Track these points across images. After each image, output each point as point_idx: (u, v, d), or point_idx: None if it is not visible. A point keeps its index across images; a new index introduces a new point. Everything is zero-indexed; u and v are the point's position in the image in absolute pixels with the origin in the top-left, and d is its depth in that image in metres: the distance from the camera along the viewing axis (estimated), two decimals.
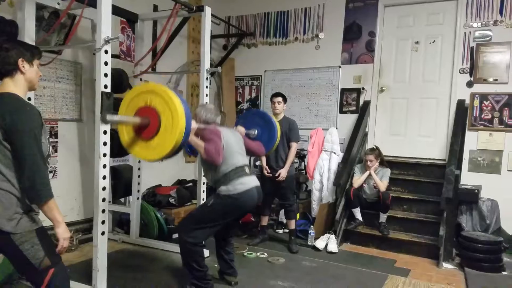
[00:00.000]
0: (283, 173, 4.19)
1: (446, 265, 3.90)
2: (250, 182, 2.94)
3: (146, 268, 3.55)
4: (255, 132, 3.64)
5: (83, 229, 4.15)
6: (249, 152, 3.20)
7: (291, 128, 4.30)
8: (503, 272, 3.75)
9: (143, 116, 2.37)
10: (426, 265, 3.94)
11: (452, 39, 4.96)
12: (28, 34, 3.16)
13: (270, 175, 4.26)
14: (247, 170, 2.98)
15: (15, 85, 1.87)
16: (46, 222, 1.93)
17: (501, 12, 4.69)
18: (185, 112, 2.30)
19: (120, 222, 4.45)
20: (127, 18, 4.20)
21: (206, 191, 3.87)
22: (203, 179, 3.81)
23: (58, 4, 3.49)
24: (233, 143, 2.98)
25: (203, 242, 2.97)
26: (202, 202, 3.80)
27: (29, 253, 1.80)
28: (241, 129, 3.45)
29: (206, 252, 3.72)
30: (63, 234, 1.87)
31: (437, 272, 3.78)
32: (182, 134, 2.29)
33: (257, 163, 4.63)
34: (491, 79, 4.74)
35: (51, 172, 3.91)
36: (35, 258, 1.81)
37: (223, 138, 2.89)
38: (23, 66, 1.88)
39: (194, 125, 2.76)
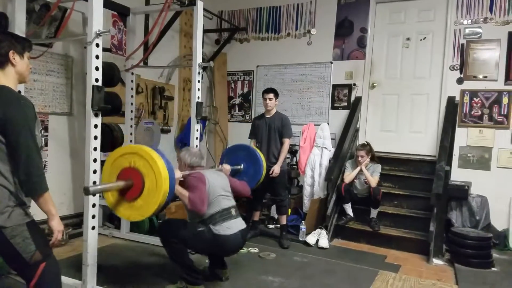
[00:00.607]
0: (276, 169, 4.19)
1: (436, 261, 3.93)
2: (236, 226, 2.93)
3: (137, 263, 3.54)
4: (240, 167, 3.67)
5: (73, 223, 4.12)
6: (235, 192, 3.16)
7: (284, 124, 4.30)
8: (493, 268, 3.78)
9: (127, 177, 2.38)
10: (416, 261, 3.97)
11: (442, 35, 5.00)
12: (19, 26, 3.12)
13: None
14: (233, 212, 2.97)
15: (6, 78, 1.85)
16: (36, 216, 1.91)
17: (491, 10, 4.73)
18: (169, 174, 2.33)
19: (111, 217, 4.42)
20: (119, 12, 4.15)
21: None
22: None
23: None
24: (218, 187, 2.96)
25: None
26: None
27: (20, 247, 1.79)
28: (227, 167, 3.45)
29: None
30: (57, 226, 1.87)
31: (427, 267, 3.81)
32: (166, 196, 2.32)
33: None
34: (481, 76, 4.79)
35: (43, 166, 3.87)
36: (26, 252, 1.80)
37: (208, 183, 2.88)
38: (14, 58, 1.86)
39: (178, 174, 2.77)
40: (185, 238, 2.87)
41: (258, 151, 3.85)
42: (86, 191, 2.25)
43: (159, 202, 2.32)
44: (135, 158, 2.39)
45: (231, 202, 3.03)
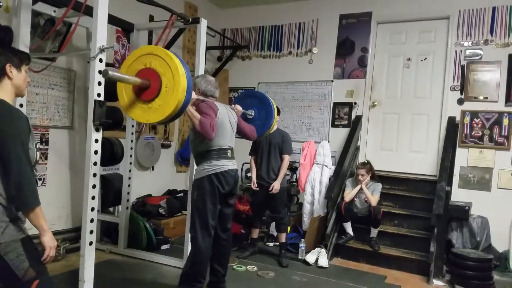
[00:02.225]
0: (276, 185, 4.18)
1: (437, 282, 3.89)
2: (228, 164, 2.97)
3: (134, 280, 3.49)
4: (252, 112, 3.61)
5: (71, 238, 4.08)
6: (241, 133, 3.20)
7: (284, 141, 4.30)
8: None
9: (143, 78, 2.34)
10: (417, 282, 3.93)
11: (443, 56, 5.04)
12: (23, 40, 3.15)
13: (257, 189, 4.24)
14: (229, 154, 3.01)
15: (2, 91, 1.84)
16: (31, 231, 1.89)
17: (491, 32, 4.78)
18: (186, 72, 2.30)
19: (108, 232, 4.38)
20: (123, 28, 4.21)
21: None
22: None
23: (54, 11, 3.50)
24: (226, 123, 2.99)
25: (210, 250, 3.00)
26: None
27: (13, 263, 1.74)
28: (239, 107, 3.41)
29: None
30: (49, 242, 1.82)
31: None
32: (184, 93, 2.29)
33: (248, 174, 4.61)
34: (481, 97, 4.81)
35: (40, 179, 3.86)
36: (20, 268, 1.76)
37: (218, 114, 2.89)
38: (11, 72, 1.85)
39: (193, 95, 2.73)
40: (195, 214, 2.92)
41: (271, 98, 3.75)
42: (105, 74, 2.21)
43: (177, 100, 2.27)
44: (151, 58, 2.36)
45: (231, 143, 3.05)
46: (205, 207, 2.92)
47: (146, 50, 2.45)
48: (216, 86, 3.11)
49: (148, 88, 2.34)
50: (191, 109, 2.74)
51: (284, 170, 4.28)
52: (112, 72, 2.26)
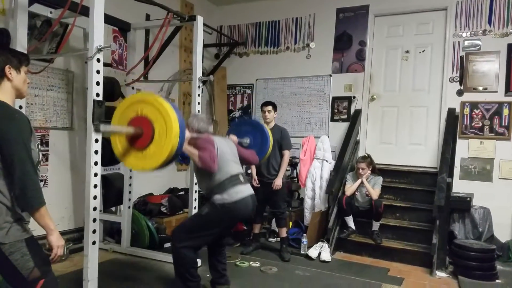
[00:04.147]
0: (277, 182, 4.18)
1: (440, 274, 3.90)
2: (245, 190, 2.93)
3: (137, 279, 3.50)
4: (247, 140, 3.65)
5: (74, 238, 4.09)
6: (243, 160, 3.18)
7: (283, 137, 4.30)
8: (497, 281, 3.74)
9: (136, 126, 2.35)
10: (420, 274, 3.93)
11: (441, 48, 5.03)
12: (20, 42, 3.14)
13: (259, 185, 4.25)
14: (241, 178, 2.96)
15: (2, 92, 1.84)
16: (36, 232, 1.90)
17: (489, 22, 4.77)
18: (177, 116, 2.30)
19: (111, 231, 4.40)
20: (119, 27, 4.20)
21: (198, 199, 3.85)
22: (195, 188, 3.78)
23: (51, 13, 3.49)
24: (227, 151, 2.97)
25: (196, 251, 2.94)
26: (194, 210, 3.78)
27: (18, 263, 1.76)
28: (234, 137, 3.45)
29: (199, 262, 3.68)
30: (56, 242, 1.83)
31: (430, 280, 3.77)
32: (177, 137, 2.28)
33: (249, 171, 4.62)
34: (481, 88, 4.80)
35: (41, 180, 3.86)
36: (25, 268, 1.77)
37: (216, 146, 2.88)
38: (10, 73, 1.85)
39: (187, 134, 2.74)
40: (194, 227, 2.88)
41: (264, 125, 3.80)
42: (97, 129, 2.21)
43: (171, 145, 2.27)
44: (141, 105, 2.36)
45: (240, 168, 3.02)
46: (208, 229, 2.89)
47: (136, 97, 2.48)
48: (209, 123, 3.13)
49: (141, 136, 2.35)
50: (188, 147, 2.75)
51: (284, 166, 4.29)
52: (104, 127, 2.28)
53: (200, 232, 2.87)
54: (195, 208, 3.79)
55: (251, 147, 3.61)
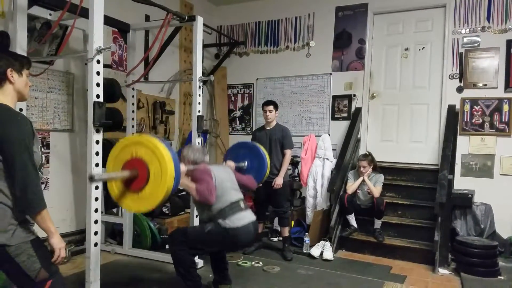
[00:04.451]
0: (278, 181, 4.18)
1: (442, 271, 3.90)
2: (247, 217, 2.92)
3: (140, 280, 3.50)
4: (244, 164, 3.68)
5: (76, 240, 4.09)
6: (241, 186, 3.15)
7: (285, 136, 4.30)
8: (499, 277, 3.74)
9: (130, 168, 2.36)
10: (422, 271, 3.93)
11: (441, 45, 5.02)
12: (20, 44, 3.14)
13: (260, 185, 4.25)
14: (242, 205, 2.96)
15: (4, 96, 1.85)
16: (40, 233, 1.90)
17: (488, 19, 4.76)
18: (172, 156, 2.32)
19: (113, 233, 4.40)
20: (119, 28, 4.20)
21: None
22: None
23: (50, 15, 3.50)
24: (225, 179, 2.96)
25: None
26: (195, 211, 3.77)
27: (25, 264, 1.77)
28: (231, 163, 3.46)
29: (200, 262, 3.69)
30: (58, 244, 1.84)
31: (433, 277, 3.77)
32: (173, 178, 2.30)
33: None
34: (480, 84, 4.80)
35: (43, 183, 3.86)
36: (31, 269, 1.78)
37: (214, 176, 2.87)
38: (12, 76, 1.86)
39: (183, 168, 2.75)
40: (194, 240, 2.85)
41: (261, 146, 3.82)
42: (91, 179, 2.22)
43: (167, 186, 2.28)
44: (136, 147, 2.37)
45: (239, 195, 3.01)
46: (208, 246, 2.92)
47: (131, 140, 2.49)
48: (205, 153, 3.12)
49: (137, 178, 2.35)
50: (185, 181, 2.75)
51: (286, 165, 4.29)
52: (99, 176, 2.28)
53: (199, 245, 2.88)
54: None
55: (248, 170, 3.64)
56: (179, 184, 2.44)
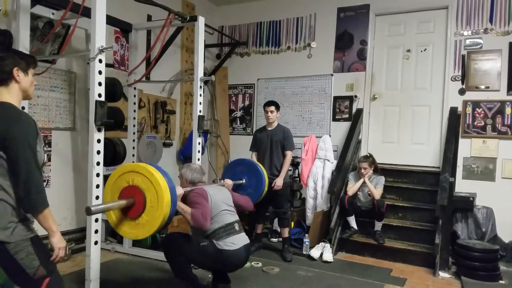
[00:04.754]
0: (278, 182, 4.18)
1: (443, 274, 3.88)
2: (240, 241, 2.90)
3: (139, 279, 3.51)
4: (243, 181, 3.70)
5: (76, 238, 4.11)
6: (238, 207, 3.15)
7: (286, 137, 4.30)
8: (500, 281, 3.72)
9: (127, 196, 2.39)
10: (422, 274, 3.92)
11: (443, 47, 5.01)
12: (23, 43, 3.15)
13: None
14: (237, 227, 2.95)
15: (10, 94, 1.86)
16: (40, 231, 1.90)
17: (491, 20, 4.75)
18: (168, 184, 2.34)
19: (113, 231, 4.39)
20: (121, 28, 4.21)
21: None
22: None
23: (53, 14, 3.51)
24: (220, 201, 2.95)
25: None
26: None
27: (24, 262, 1.78)
28: (229, 182, 3.45)
29: None
30: (58, 243, 1.85)
31: (433, 281, 3.76)
32: (169, 206, 2.33)
33: None
34: (483, 87, 4.79)
35: (44, 181, 3.86)
36: (30, 267, 1.79)
37: (210, 198, 2.87)
38: (18, 75, 1.87)
39: (180, 191, 2.76)
40: (188, 252, 2.85)
41: (259, 163, 3.85)
42: (88, 211, 2.24)
43: (163, 214, 2.31)
44: (133, 175, 2.41)
45: (235, 217, 3.00)
46: (198, 261, 2.92)
47: (127, 168, 2.49)
48: (203, 172, 3.13)
49: (133, 205, 2.38)
50: (181, 205, 2.76)
51: (286, 166, 4.29)
52: (95, 208, 2.31)
53: (191, 257, 2.87)
54: None
55: (246, 187, 3.67)
56: (175, 211, 2.46)
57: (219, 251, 2.81)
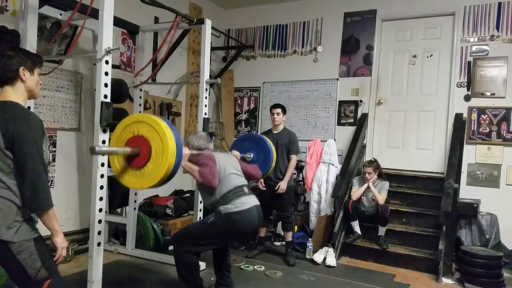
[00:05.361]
0: (282, 185, 4.18)
1: (446, 280, 3.86)
2: (250, 201, 2.89)
3: (142, 281, 3.50)
4: (250, 155, 3.67)
5: (79, 239, 4.11)
6: (246, 175, 3.14)
7: (291, 141, 4.29)
8: None
9: (133, 146, 2.38)
10: (426, 280, 3.90)
11: (449, 53, 5.01)
12: (30, 43, 3.17)
13: (265, 189, 4.25)
14: (246, 190, 2.93)
15: (16, 93, 1.86)
16: (42, 232, 1.91)
17: (497, 27, 4.74)
18: (173, 134, 2.33)
19: (116, 233, 4.41)
20: (128, 30, 4.23)
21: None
22: None
23: (60, 15, 3.52)
24: (228, 165, 2.95)
25: (199, 255, 2.94)
26: (199, 213, 3.78)
27: (26, 262, 1.77)
28: (236, 153, 3.45)
29: (203, 265, 3.69)
30: (61, 243, 1.86)
31: (436, 287, 3.75)
32: (174, 155, 2.31)
33: None
34: (488, 93, 4.77)
35: (48, 181, 3.88)
36: (32, 268, 1.79)
37: (217, 162, 2.87)
38: (24, 75, 1.87)
39: (186, 151, 2.76)
40: (198, 235, 2.85)
41: (267, 139, 3.80)
42: (92, 151, 2.23)
43: (168, 163, 2.29)
44: (138, 126, 2.39)
45: (243, 180, 2.99)
46: (211, 239, 2.87)
47: (132, 118, 2.49)
48: (209, 140, 3.12)
49: (138, 155, 2.37)
50: (188, 164, 2.76)
51: (291, 170, 4.28)
52: (99, 148, 2.30)
53: (203, 240, 2.86)
54: (200, 210, 3.79)
55: (254, 162, 3.62)
56: (180, 163, 2.43)
57: (228, 218, 2.77)
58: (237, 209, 2.79)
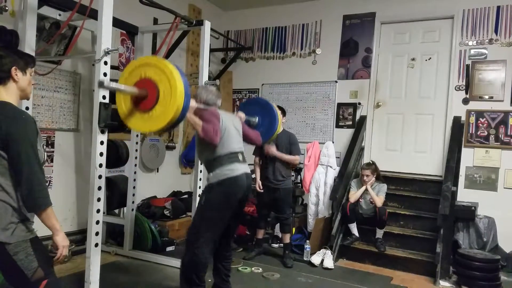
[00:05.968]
0: (271, 150, 4.10)
1: (443, 283, 3.87)
2: (241, 168, 2.91)
3: (139, 282, 3.49)
4: (255, 119, 3.60)
5: (76, 240, 4.09)
6: (246, 139, 3.16)
7: (292, 143, 4.28)
8: None
9: (140, 88, 2.35)
10: (423, 283, 3.90)
11: (448, 56, 5.02)
12: (29, 44, 3.17)
13: (262, 190, 4.25)
14: (240, 157, 2.96)
15: (7, 93, 1.85)
16: (39, 232, 1.90)
17: (496, 31, 4.76)
18: (181, 76, 2.30)
19: (114, 233, 4.40)
20: (127, 30, 4.23)
21: None
22: (199, 192, 3.77)
23: (59, 15, 3.52)
24: (231, 128, 2.96)
25: (212, 252, 2.94)
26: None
27: (22, 263, 1.77)
28: (242, 114, 3.40)
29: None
30: (62, 242, 1.85)
31: None
32: (183, 96, 2.28)
33: (252, 176, 4.61)
34: (486, 97, 4.79)
35: (46, 181, 3.87)
36: (28, 268, 1.78)
37: (222, 121, 2.87)
38: (16, 75, 1.86)
39: (193, 103, 2.74)
40: (202, 222, 2.84)
41: (274, 105, 3.76)
42: (100, 84, 2.20)
43: (177, 104, 2.26)
44: (145, 69, 2.37)
45: (241, 147, 3.01)
46: (212, 217, 2.85)
47: (139, 62, 2.47)
48: (218, 95, 3.09)
49: (146, 97, 2.35)
50: (193, 117, 2.74)
51: (291, 158, 4.23)
52: (108, 83, 2.27)
53: (208, 222, 2.84)
54: None
55: (259, 126, 3.58)
56: (189, 106, 2.41)
57: (219, 185, 2.80)
58: (225, 176, 2.82)
